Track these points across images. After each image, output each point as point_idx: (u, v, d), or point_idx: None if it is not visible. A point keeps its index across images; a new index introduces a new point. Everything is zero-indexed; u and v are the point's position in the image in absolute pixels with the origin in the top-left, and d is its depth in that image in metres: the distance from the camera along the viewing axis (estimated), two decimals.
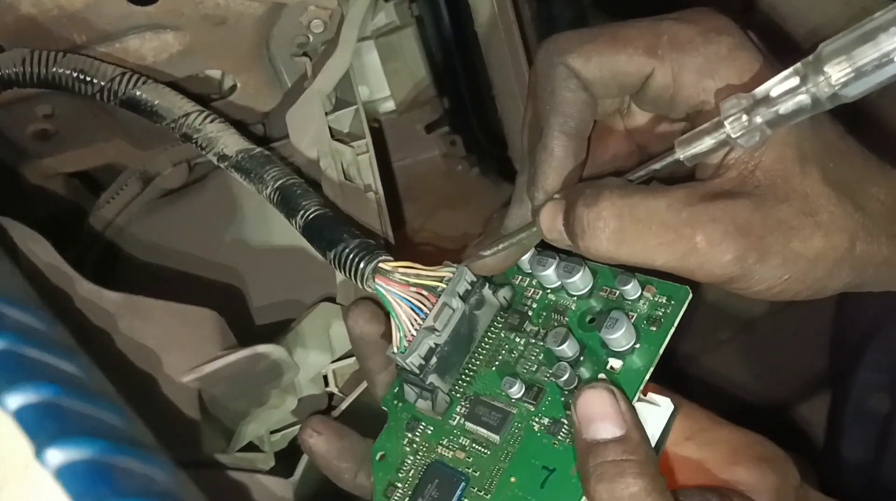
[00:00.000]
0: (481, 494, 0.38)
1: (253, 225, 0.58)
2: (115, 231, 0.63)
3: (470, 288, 0.40)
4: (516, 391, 0.38)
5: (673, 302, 0.37)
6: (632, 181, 0.36)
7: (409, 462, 0.40)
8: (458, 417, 0.40)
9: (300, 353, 0.50)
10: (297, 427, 0.50)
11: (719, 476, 0.39)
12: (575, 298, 0.40)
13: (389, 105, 0.72)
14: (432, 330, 0.40)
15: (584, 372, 0.38)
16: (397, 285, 0.41)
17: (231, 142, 0.51)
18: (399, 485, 0.40)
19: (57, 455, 0.22)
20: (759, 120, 0.32)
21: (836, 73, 0.30)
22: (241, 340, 0.49)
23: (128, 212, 0.63)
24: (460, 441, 0.40)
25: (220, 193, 0.60)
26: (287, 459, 0.50)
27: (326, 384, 0.51)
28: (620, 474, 0.34)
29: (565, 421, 0.37)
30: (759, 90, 0.32)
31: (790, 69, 0.31)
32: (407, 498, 0.39)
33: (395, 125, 0.73)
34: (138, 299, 0.46)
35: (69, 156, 0.62)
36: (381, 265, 0.42)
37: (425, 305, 0.40)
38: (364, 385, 0.47)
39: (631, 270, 0.37)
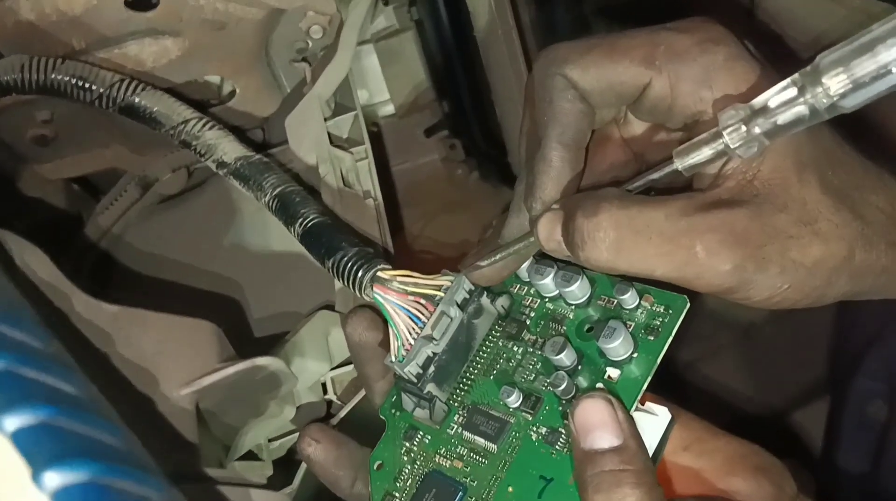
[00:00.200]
0: None
1: (252, 231, 0.58)
2: (114, 236, 0.63)
3: (468, 296, 0.40)
4: (514, 400, 0.38)
5: (671, 312, 0.37)
6: (629, 191, 0.36)
7: (407, 471, 0.40)
8: (455, 426, 0.40)
9: (298, 361, 0.50)
10: (296, 434, 0.50)
11: (716, 485, 0.39)
12: (573, 307, 0.40)
13: (389, 109, 0.72)
14: (430, 338, 0.40)
15: (582, 382, 0.38)
16: (395, 294, 0.41)
17: (230, 149, 0.51)
18: (396, 495, 0.40)
19: (54, 478, 0.22)
20: (757, 130, 0.32)
21: (835, 84, 0.30)
22: (238, 347, 0.49)
23: (126, 217, 0.63)
24: (458, 450, 0.40)
25: (219, 199, 0.60)
26: (285, 467, 0.50)
27: (325, 391, 0.51)
28: (618, 484, 0.34)
29: (563, 431, 0.37)
30: (757, 101, 0.32)
31: (788, 80, 0.31)
32: None
33: (394, 129, 0.73)
34: (136, 311, 0.46)
35: (68, 161, 0.62)
36: (379, 274, 0.42)
37: (423, 314, 0.40)
38: (363, 392, 0.47)
39: (629, 279, 0.37)
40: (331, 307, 0.51)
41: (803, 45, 0.53)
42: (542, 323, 0.40)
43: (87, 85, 0.52)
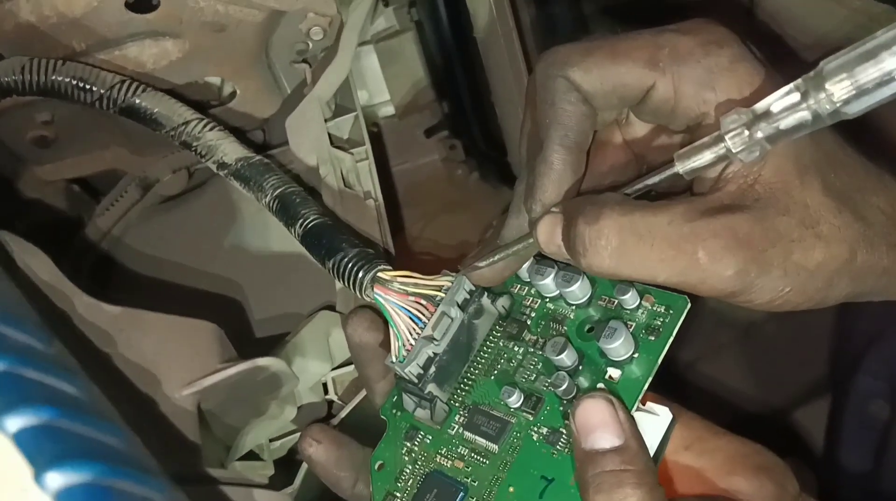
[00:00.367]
0: None
1: (252, 231, 0.58)
2: (114, 237, 0.63)
3: (468, 297, 0.40)
4: (515, 400, 0.38)
5: (672, 312, 0.37)
6: (629, 195, 0.36)
7: (408, 471, 0.40)
8: (456, 426, 0.40)
9: (300, 361, 0.50)
10: (297, 434, 0.50)
11: (718, 485, 0.39)
12: (573, 307, 0.40)
13: (389, 109, 0.72)
14: (431, 339, 0.40)
15: (583, 382, 0.38)
16: (396, 294, 0.41)
17: (230, 151, 0.51)
18: (398, 495, 0.40)
19: (56, 479, 0.22)
20: (759, 135, 0.32)
21: (838, 90, 0.30)
22: (239, 347, 0.49)
23: (127, 218, 0.63)
24: (459, 450, 0.40)
25: (220, 200, 0.60)
26: (287, 467, 0.50)
27: (326, 392, 0.51)
28: (619, 484, 0.34)
29: (564, 431, 0.37)
30: (760, 105, 0.32)
31: (791, 85, 0.31)
32: None
33: (394, 129, 0.73)
34: (137, 312, 0.46)
35: (68, 162, 0.62)
36: (379, 274, 0.42)
37: (424, 314, 0.40)
38: (363, 393, 0.47)
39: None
40: (332, 307, 0.51)
41: (803, 46, 0.53)
42: (543, 323, 0.40)
43: (87, 86, 0.52)
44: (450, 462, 0.40)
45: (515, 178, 0.40)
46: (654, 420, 0.37)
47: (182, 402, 0.44)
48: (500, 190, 0.73)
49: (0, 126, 0.58)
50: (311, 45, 0.58)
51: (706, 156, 0.33)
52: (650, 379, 0.36)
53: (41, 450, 0.23)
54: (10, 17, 0.51)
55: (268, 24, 0.56)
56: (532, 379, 0.39)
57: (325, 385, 0.51)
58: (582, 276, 0.39)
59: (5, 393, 0.23)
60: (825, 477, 0.60)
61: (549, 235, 0.35)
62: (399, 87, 0.72)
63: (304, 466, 0.48)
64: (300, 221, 0.47)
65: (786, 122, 0.31)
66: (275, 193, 0.49)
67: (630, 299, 0.38)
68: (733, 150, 0.33)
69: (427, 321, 0.40)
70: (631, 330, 0.37)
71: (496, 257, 0.39)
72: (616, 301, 0.38)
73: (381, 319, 0.42)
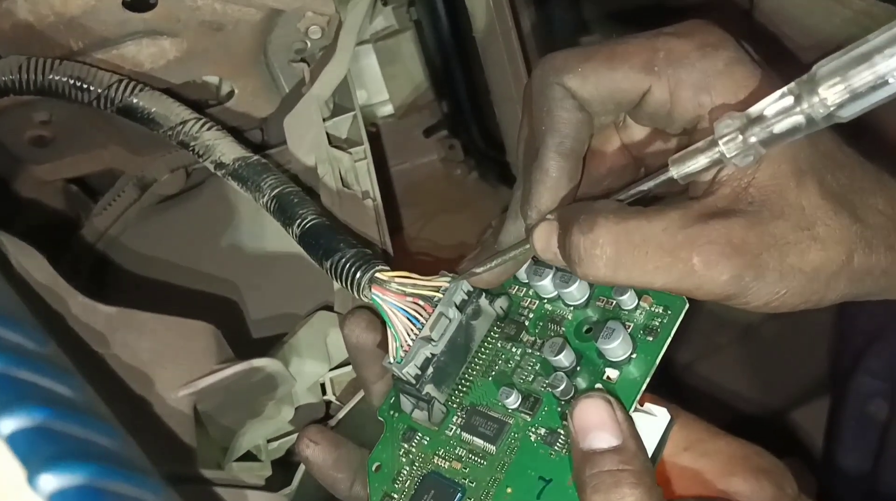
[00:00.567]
0: None
1: (250, 231, 0.58)
2: (112, 237, 0.63)
3: (466, 298, 0.40)
4: (513, 401, 0.38)
5: (670, 313, 0.37)
6: (623, 200, 0.36)
7: (406, 472, 0.40)
8: (454, 427, 0.40)
9: (297, 362, 0.49)
10: (295, 435, 0.50)
11: (716, 486, 0.39)
12: (571, 308, 0.40)
13: (388, 109, 0.72)
14: (429, 340, 0.40)
15: (581, 382, 0.38)
16: (394, 295, 0.41)
17: (228, 150, 0.51)
18: (395, 496, 0.40)
19: (50, 481, 0.22)
20: (753, 139, 0.32)
21: (832, 94, 0.30)
22: (237, 348, 0.49)
23: (124, 218, 0.63)
24: (457, 451, 0.39)
25: (217, 199, 0.60)
26: (284, 468, 0.50)
27: (324, 392, 0.51)
28: (616, 484, 0.34)
29: (562, 432, 0.37)
30: (754, 109, 0.32)
31: (784, 89, 0.31)
32: None
33: (393, 129, 0.73)
34: (133, 313, 0.46)
35: (66, 162, 0.62)
36: (377, 275, 0.42)
37: (422, 315, 0.40)
38: (361, 393, 0.47)
39: None
40: (329, 308, 0.51)
41: (803, 46, 0.53)
42: (541, 324, 0.40)
43: (84, 86, 0.52)
44: (447, 463, 0.39)
45: (514, 178, 0.40)
46: (652, 421, 0.37)
47: (178, 403, 0.44)
48: (499, 189, 0.73)
49: None
50: (309, 44, 0.58)
51: (700, 161, 0.33)
52: (648, 380, 0.36)
53: (35, 452, 0.23)
54: (8, 17, 0.51)
55: (266, 23, 0.55)
56: (530, 379, 0.39)
57: (322, 385, 0.51)
58: None
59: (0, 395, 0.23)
60: (824, 478, 0.60)
61: (546, 243, 0.35)
62: (398, 87, 0.72)
63: (302, 467, 0.48)
64: (298, 221, 0.47)
65: (780, 126, 0.31)
66: (272, 193, 0.49)
67: (628, 300, 0.37)
68: (727, 155, 0.32)
69: (425, 322, 0.40)
70: (629, 330, 0.37)
71: (493, 263, 0.39)
72: (614, 301, 0.38)
73: (378, 320, 0.42)
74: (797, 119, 0.31)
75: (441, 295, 0.40)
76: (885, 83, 0.28)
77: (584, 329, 0.39)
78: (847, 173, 0.35)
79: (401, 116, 0.72)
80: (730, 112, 0.33)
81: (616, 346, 0.36)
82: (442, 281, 0.40)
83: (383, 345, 0.41)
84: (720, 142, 0.32)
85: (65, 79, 0.52)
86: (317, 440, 0.43)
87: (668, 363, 0.37)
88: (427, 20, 0.68)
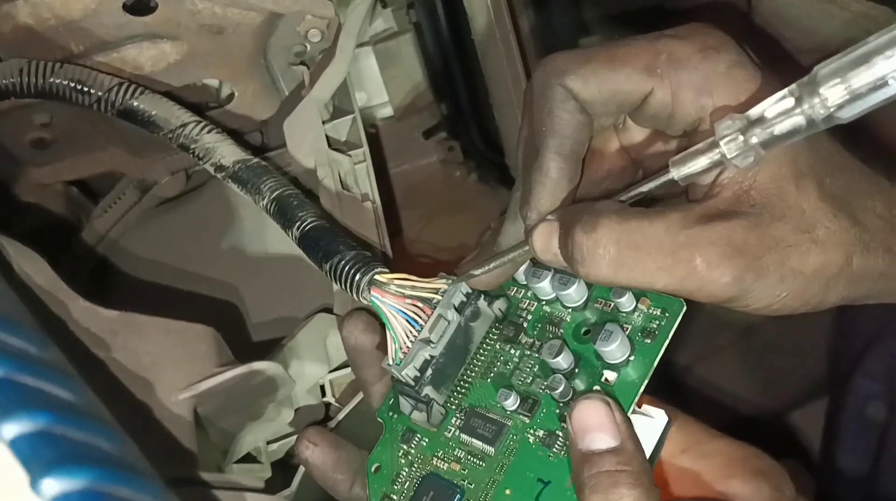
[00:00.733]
0: None
1: (250, 234, 0.58)
2: (112, 240, 0.63)
3: (465, 299, 0.40)
4: (511, 403, 0.38)
5: (668, 315, 0.37)
6: (624, 201, 0.36)
7: (405, 474, 0.40)
8: (453, 429, 0.40)
9: (297, 364, 0.50)
10: (294, 437, 0.50)
11: (715, 488, 0.39)
12: (570, 310, 0.40)
13: (387, 111, 0.72)
14: (428, 341, 0.40)
15: (579, 384, 0.38)
16: (393, 297, 0.41)
17: (228, 153, 0.51)
18: (394, 497, 0.40)
19: (53, 485, 0.22)
20: (754, 140, 0.32)
21: (832, 95, 0.30)
22: (237, 350, 0.49)
23: (125, 221, 0.63)
24: (455, 453, 0.40)
25: (218, 202, 0.60)
26: (284, 469, 0.50)
27: (323, 394, 0.51)
28: (614, 484, 0.34)
29: (560, 434, 0.37)
30: (754, 111, 0.32)
31: (785, 90, 0.31)
32: None
33: (392, 131, 0.73)
34: (134, 316, 0.46)
35: (66, 164, 0.62)
36: (376, 277, 0.42)
37: (421, 317, 0.40)
38: (361, 395, 0.47)
39: None
40: (329, 310, 0.51)
41: (802, 49, 0.53)
42: (540, 325, 0.40)
43: (85, 88, 0.52)
44: (446, 464, 0.40)
45: (513, 180, 0.40)
46: (650, 423, 0.37)
47: (178, 406, 0.44)
48: (499, 191, 0.73)
49: None
50: (308, 47, 0.58)
51: (701, 162, 0.34)
52: (646, 382, 0.36)
53: (37, 456, 0.23)
54: (9, 20, 0.51)
55: (266, 26, 0.56)
56: (528, 381, 0.39)
57: (322, 387, 0.51)
58: (578, 279, 0.39)
59: (1, 399, 0.23)
60: (822, 480, 0.61)
61: (546, 243, 0.36)
62: (397, 89, 0.72)
63: (302, 469, 0.48)
64: (297, 224, 0.47)
65: (780, 128, 0.32)
66: (272, 196, 0.49)
67: (626, 302, 0.38)
68: (728, 156, 0.33)
69: (424, 324, 0.40)
70: (627, 332, 0.37)
71: (492, 264, 0.39)
72: (612, 303, 0.38)
73: (377, 321, 0.42)
74: (798, 120, 0.31)
75: (440, 297, 0.40)
76: (885, 84, 0.29)
77: (583, 331, 0.39)
78: (845, 176, 0.35)
79: (400, 118, 0.72)
80: (731, 113, 0.33)
81: (614, 348, 0.36)
82: (441, 283, 0.40)
83: (382, 347, 0.42)
84: (721, 143, 0.33)
85: (65, 82, 0.52)
86: (316, 441, 0.43)
87: (668, 364, 0.37)
88: (426, 22, 0.68)
